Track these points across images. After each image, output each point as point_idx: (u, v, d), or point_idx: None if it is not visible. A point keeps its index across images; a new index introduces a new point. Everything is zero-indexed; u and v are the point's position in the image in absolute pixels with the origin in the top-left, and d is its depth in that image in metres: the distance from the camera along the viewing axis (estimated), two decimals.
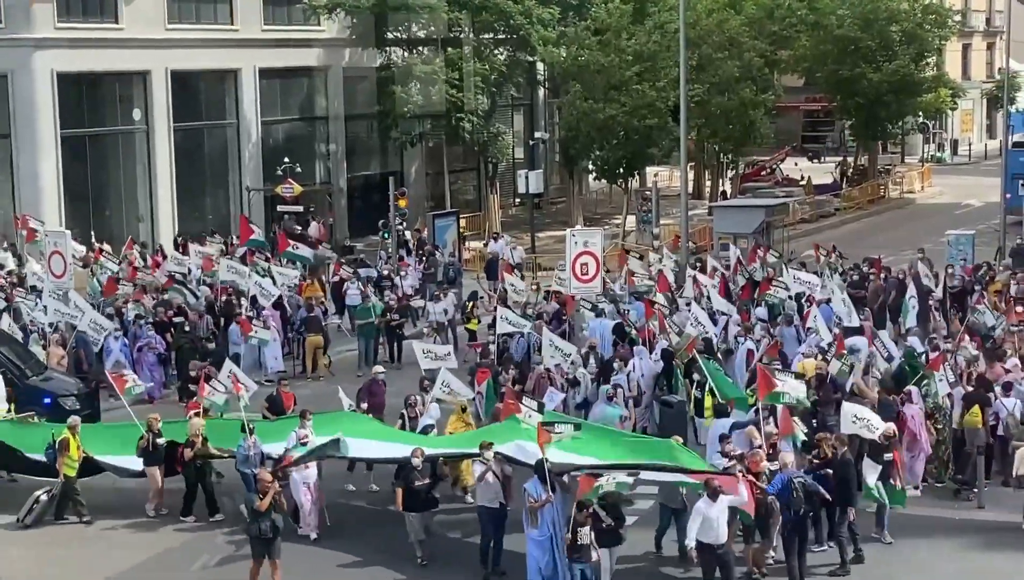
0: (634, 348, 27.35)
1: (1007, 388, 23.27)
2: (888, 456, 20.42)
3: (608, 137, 53.18)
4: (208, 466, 22.69)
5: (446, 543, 20.99)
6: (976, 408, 22.82)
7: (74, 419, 23.31)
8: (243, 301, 33.35)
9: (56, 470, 22.64)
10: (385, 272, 38.94)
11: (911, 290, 31.43)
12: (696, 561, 18.43)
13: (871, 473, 20.46)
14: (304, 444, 21.43)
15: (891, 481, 20.57)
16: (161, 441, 22.81)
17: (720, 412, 23.11)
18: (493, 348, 29.00)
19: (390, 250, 42.96)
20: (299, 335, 33.41)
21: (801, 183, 64.60)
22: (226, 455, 22.61)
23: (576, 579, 18.01)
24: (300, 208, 48.01)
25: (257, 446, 21.96)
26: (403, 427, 22.95)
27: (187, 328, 31.59)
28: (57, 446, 22.59)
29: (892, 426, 20.86)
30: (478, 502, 19.99)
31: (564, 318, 30.50)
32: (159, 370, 30.88)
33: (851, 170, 70.76)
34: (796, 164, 72.41)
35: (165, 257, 39.86)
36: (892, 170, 73.31)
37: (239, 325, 31.61)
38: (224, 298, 34.20)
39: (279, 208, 48.29)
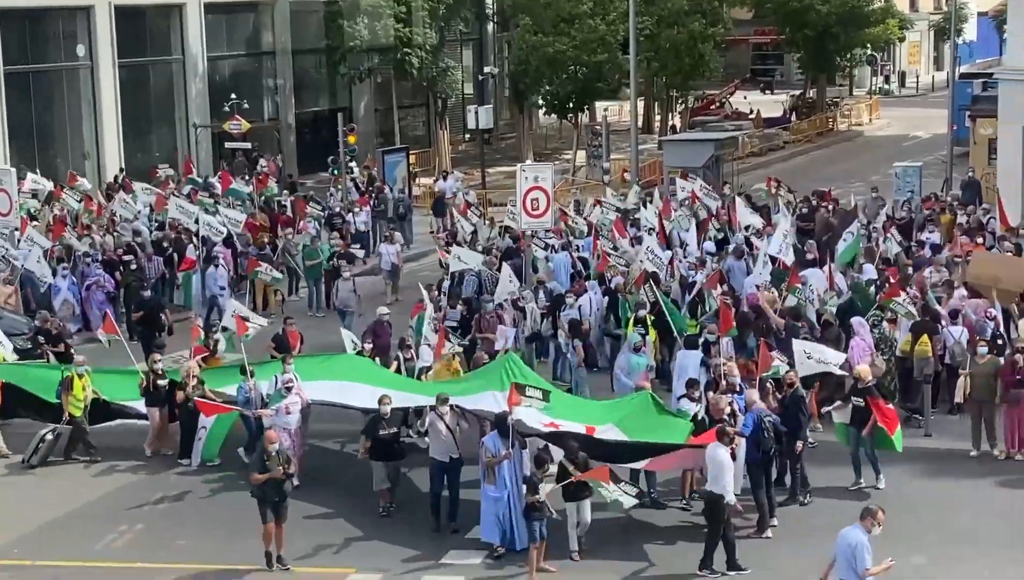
0: (587, 282, 27.46)
1: (954, 316, 23.50)
2: (858, 401, 20.10)
3: (558, 71, 53.00)
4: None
5: (414, 493, 20.43)
6: (925, 337, 23.04)
7: (80, 358, 23.23)
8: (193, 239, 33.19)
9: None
10: (336, 209, 38.76)
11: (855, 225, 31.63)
12: (721, 516, 17.53)
13: (837, 412, 20.53)
14: (289, 388, 21.04)
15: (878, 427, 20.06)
16: (163, 382, 22.60)
17: (690, 344, 22.95)
18: (445, 285, 28.94)
19: (340, 187, 42.72)
20: (247, 276, 33.20)
21: (750, 116, 64.74)
22: (224, 399, 22.25)
23: (534, 536, 17.52)
24: (248, 145, 47.64)
25: (257, 388, 21.64)
26: (399, 370, 22.66)
27: (133, 266, 31.33)
28: (61, 385, 22.52)
29: (864, 368, 20.61)
30: (429, 454, 19.55)
31: (519, 253, 30.49)
32: (108, 308, 30.60)
33: (800, 103, 70.95)
34: (745, 97, 72.48)
35: (111, 198, 39.36)
36: (840, 103, 73.58)
37: (218, 265, 31.16)
38: (174, 236, 33.94)
39: (227, 145, 47.89)
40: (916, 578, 17.37)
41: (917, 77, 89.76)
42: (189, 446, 22.42)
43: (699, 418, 19.18)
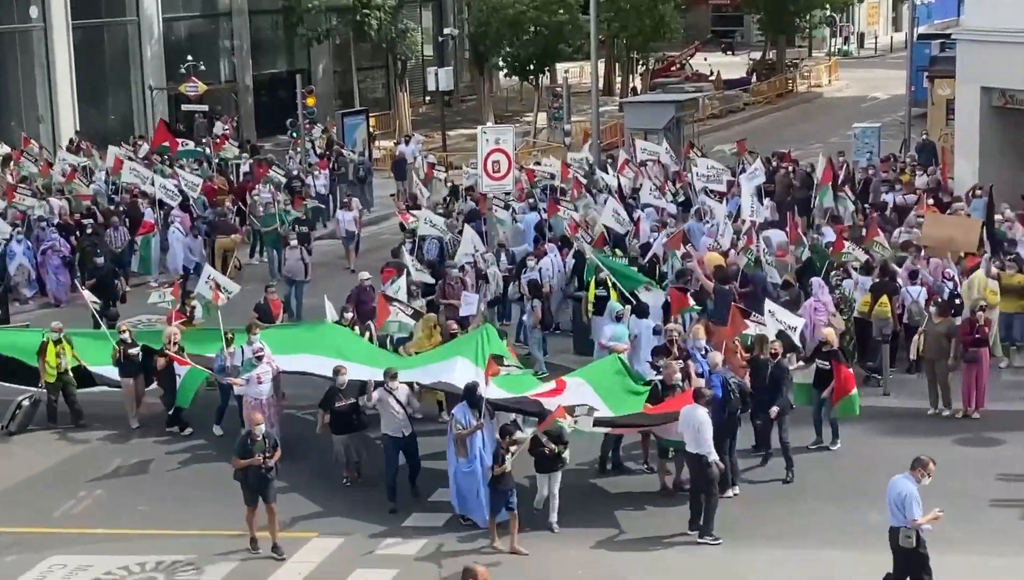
0: (546, 245, 27.41)
1: (913, 276, 23.62)
2: (823, 363, 19.99)
3: (518, 33, 52.81)
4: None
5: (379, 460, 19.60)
6: (884, 298, 23.16)
7: (56, 324, 22.85)
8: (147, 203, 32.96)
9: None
10: (295, 172, 38.50)
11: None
12: (711, 475, 17.39)
13: (799, 373, 20.42)
14: (260, 358, 20.52)
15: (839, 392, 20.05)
16: (134, 351, 22.23)
17: (641, 312, 22.82)
18: (405, 248, 28.79)
19: (299, 150, 42.47)
20: (207, 237, 32.99)
21: (711, 78, 64.75)
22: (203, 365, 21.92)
23: (499, 508, 17.19)
24: (205, 107, 47.23)
25: (235, 357, 21.15)
26: (370, 340, 22.24)
27: (90, 231, 31.02)
28: (38, 351, 22.23)
29: (831, 331, 20.60)
30: (382, 430, 19.02)
31: (479, 216, 30.40)
32: (64, 273, 30.35)
33: (760, 66, 71.02)
34: (706, 59, 72.46)
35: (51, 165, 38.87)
36: (800, 64, 73.68)
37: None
38: (129, 200, 33.67)
39: (183, 107, 47.49)
40: (874, 535, 17.47)
41: (876, 38, 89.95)
42: (176, 415, 22.09)
43: (653, 384, 19.07)
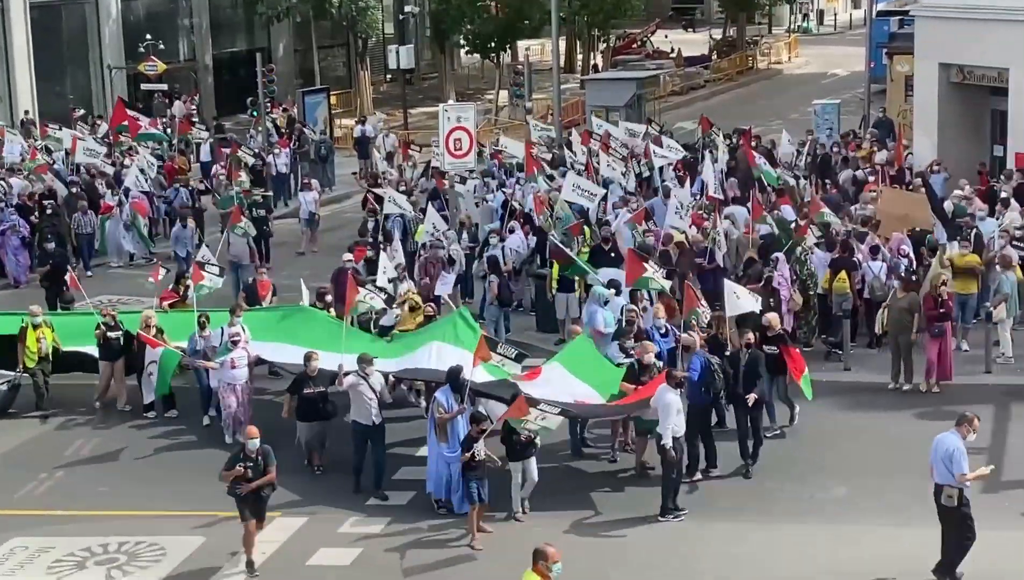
0: (509, 223, 27.43)
1: (874, 252, 23.76)
2: (771, 349, 19.67)
3: (479, 10, 52.71)
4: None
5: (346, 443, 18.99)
6: (843, 273, 23.31)
7: (34, 308, 22.43)
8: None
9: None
10: (256, 151, 38.31)
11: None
12: (670, 458, 17.26)
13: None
14: (235, 342, 20.21)
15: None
16: (114, 334, 21.80)
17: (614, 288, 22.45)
18: (370, 226, 28.73)
19: (260, 129, 42.27)
20: (167, 217, 32.83)
21: (671, 56, 64.80)
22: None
23: (472, 498, 16.77)
24: (164, 86, 46.93)
25: (209, 340, 20.79)
26: (352, 324, 21.44)
27: (49, 211, 30.73)
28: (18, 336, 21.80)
29: (774, 316, 20.38)
30: (351, 417, 18.58)
31: (440, 194, 30.37)
32: (24, 254, 30.10)
33: (719, 42, 71.15)
34: (667, 36, 72.51)
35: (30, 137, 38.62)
36: (760, 41, 73.85)
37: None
38: (88, 180, 33.42)
39: (143, 86, 47.17)
40: (838, 508, 17.68)
41: (835, 15, 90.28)
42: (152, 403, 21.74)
43: (631, 364, 18.88)
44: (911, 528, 16.49)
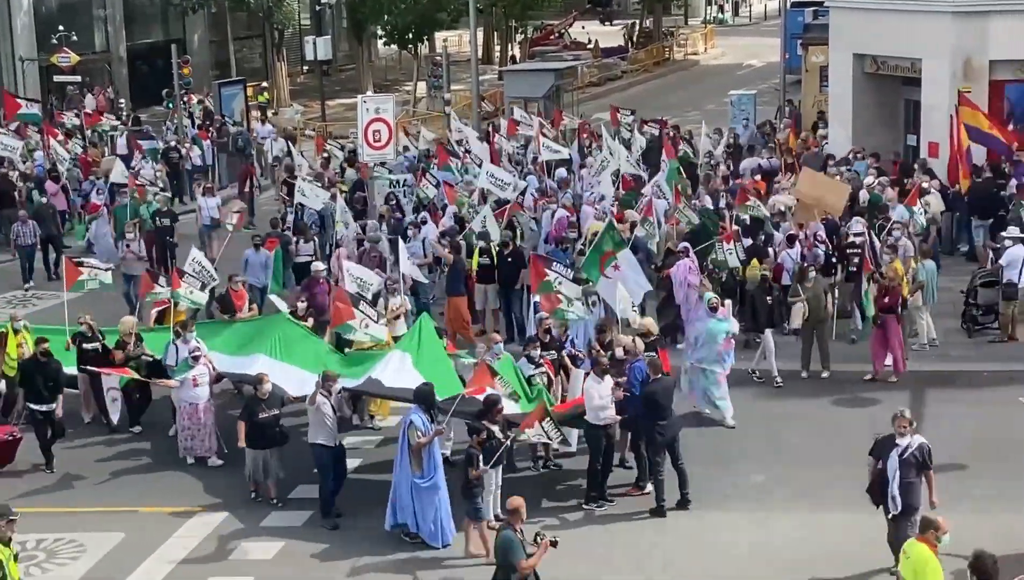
0: (421, 214, 27.41)
1: (791, 240, 24.00)
2: (650, 355, 18.59)
3: (397, 1, 52.44)
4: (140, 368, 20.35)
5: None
6: (755, 261, 23.53)
7: (15, 313, 21.62)
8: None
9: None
10: (172, 143, 37.91)
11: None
12: (595, 446, 17.25)
13: None
14: (196, 358, 19.17)
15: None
16: (90, 346, 20.54)
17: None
18: (290, 219, 28.55)
19: (176, 120, 41.82)
20: (82, 210, 32.39)
21: (588, 47, 65.05)
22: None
23: (481, 512, 15.98)
24: (78, 78, 46.29)
25: (170, 356, 19.69)
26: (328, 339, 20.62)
27: None
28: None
29: (649, 320, 20.02)
30: (314, 440, 17.19)
31: (363, 185, 30.28)
32: None
33: (636, 33, 71.51)
34: (584, 28, 72.76)
35: None
36: (676, 32, 74.34)
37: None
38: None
39: (56, 78, 46.48)
40: (756, 495, 17.88)
41: (750, 6, 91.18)
42: (137, 412, 20.74)
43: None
44: (828, 513, 16.75)
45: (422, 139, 35.37)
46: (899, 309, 21.80)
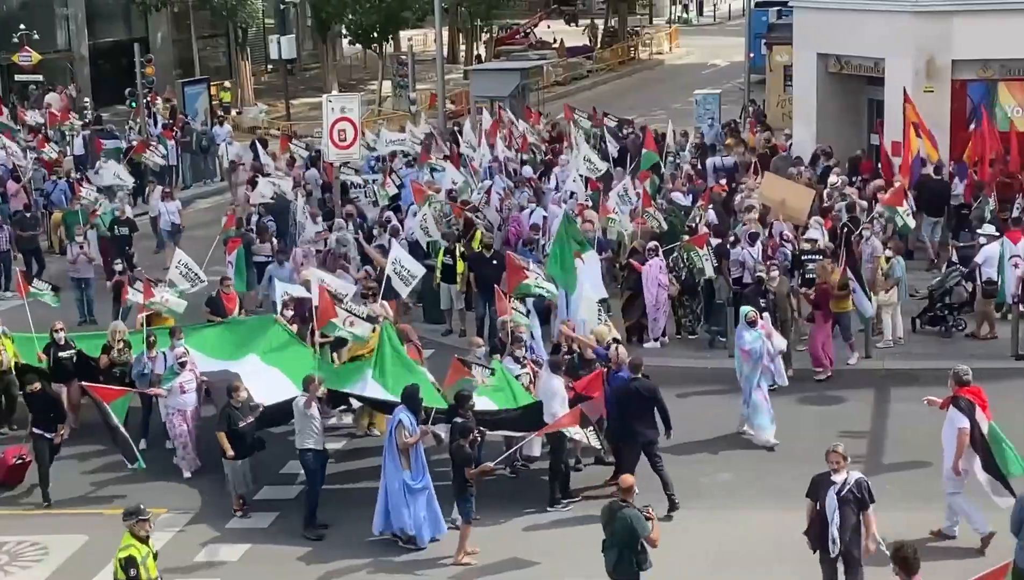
0: (385, 214, 27.36)
1: (753, 238, 24.04)
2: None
3: (361, 0, 52.30)
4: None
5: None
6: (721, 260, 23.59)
7: None
8: None
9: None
10: (135, 142, 37.65)
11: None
12: (556, 447, 17.31)
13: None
14: (183, 364, 18.77)
15: None
16: (65, 354, 20.08)
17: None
18: (255, 219, 28.40)
19: (139, 120, 41.53)
20: (46, 210, 32.15)
21: (554, 46, 65.12)
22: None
23: (468, 516, 16.01)
24: (39, 77, 45.96)
25: (157, 362, 19.36)
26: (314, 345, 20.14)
27: None
28: None
29: (600, 329, 19.73)
30: (304, 445, 16.91)
31: (330, 186, 30.21)
32: None
33: (601, 33, 71.62)
34: (549, 27, 72.82)
35: None
36: (641, 31, 74.49)
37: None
38: None
39: (17, 77, 46.14)
40: (724, 494, 17.93)
41: (715, 6, 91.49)
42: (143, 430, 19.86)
43: (570, 360, 18.39)
44: (794, 511, 16.78)
45: (381, 141, 35.13)
46: (827, 307, 21.69)
